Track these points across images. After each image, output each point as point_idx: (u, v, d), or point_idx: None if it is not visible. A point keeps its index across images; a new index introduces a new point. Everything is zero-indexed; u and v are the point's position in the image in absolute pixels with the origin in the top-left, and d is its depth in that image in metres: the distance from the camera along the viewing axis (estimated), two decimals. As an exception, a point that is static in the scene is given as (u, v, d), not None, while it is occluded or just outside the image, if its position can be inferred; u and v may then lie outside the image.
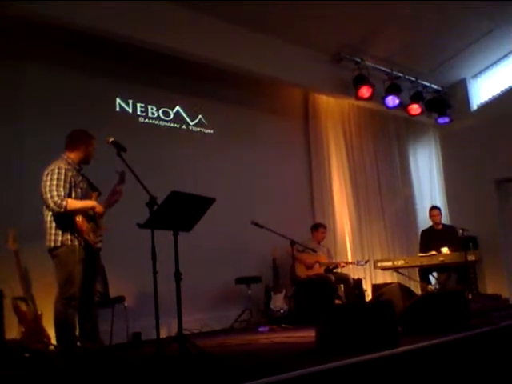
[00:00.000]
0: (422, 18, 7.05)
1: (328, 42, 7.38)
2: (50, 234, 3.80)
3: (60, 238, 3.78)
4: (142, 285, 5.34)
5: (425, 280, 6.98)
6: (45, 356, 4.51)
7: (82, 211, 3.84)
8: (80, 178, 3.98)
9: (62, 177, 3.79)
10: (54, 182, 3.75)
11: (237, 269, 6.67)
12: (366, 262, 7.24)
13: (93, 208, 3.92)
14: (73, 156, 4.00)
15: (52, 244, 3.79)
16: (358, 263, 7.18)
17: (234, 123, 7.54)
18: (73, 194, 3.85)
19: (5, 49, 5.53)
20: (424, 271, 6.95)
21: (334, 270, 7.11)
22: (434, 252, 6.57)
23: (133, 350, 5.11)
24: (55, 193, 3.71)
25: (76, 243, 3.81)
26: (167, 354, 3.68)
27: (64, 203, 3.70)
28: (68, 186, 3.81)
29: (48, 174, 3.80)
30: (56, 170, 3.80)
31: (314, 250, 6.87)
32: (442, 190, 9.53)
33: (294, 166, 8.21)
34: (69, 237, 3.79)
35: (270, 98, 7.99)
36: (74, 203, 3.78)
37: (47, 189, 3.74)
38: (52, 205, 3.70)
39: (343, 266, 7.16)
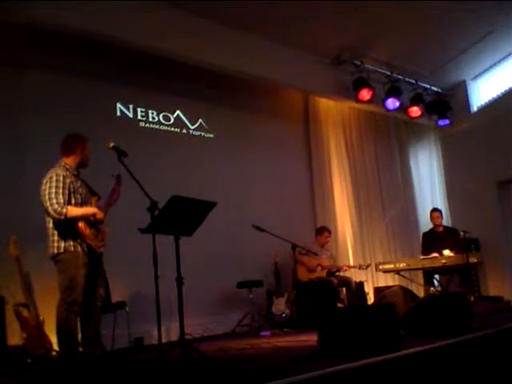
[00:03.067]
0: (421, 20, 7.06)
1: (328, 45, 7.39)
2: (53, 240, 3.81)
3: (63, 245, 3.79)
4: (144, 290, 5.36)
5: (429, 282, 6.97)
6: (47, 362, 4.51)
7: (83, 218, 3.84)
8: (79, 183, 3.98)
9: (61, 184, 3.80)
10: (53, 190, 3.76)
11: (238, 273, 6.66)
12: (368, 266, 7.23)
13: (94, 215, 3.92)
14: (69, 161, 4.00)
15: (55, 251, 3.80)
16: (359, 267, 7.18)
17: (234, 127, 7.54)
18: (72, 201, 3.86)
19: (6, 54, 5.54)
20: (428, 273, 6.94)
21: (336, 274, 7.10)
22: (435, 254, 6.56)
23: (135, 355, 5.10)
24: (55, 200, 3.72)
25: (79, 249, 3.82)
26: (169, 358, 3.67)
27: (64, 211, 3.71)
28: (67, 192, 3.82)
29: (47, 182, 3.81)
30: (54, 178, 3.81)
31: (316, 254, 6.87)
32: (443, 192, 9.53)
33: (294, 170, 8.21)
34: (71, 243, 3.81)
35: (270, 101, 8.00)
36: (74, 210, 3.79)
37: (47, 197, 3.75)
38: (52, 212, 3.71)
39: (345, 270, 7.15)
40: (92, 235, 3.88)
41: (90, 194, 4.08)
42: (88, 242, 3.84)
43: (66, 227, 3.79)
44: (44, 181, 3.83)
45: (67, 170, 3.94)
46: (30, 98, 5.74)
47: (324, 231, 7.29)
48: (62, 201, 3.75)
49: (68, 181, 3.86)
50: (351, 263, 7.90)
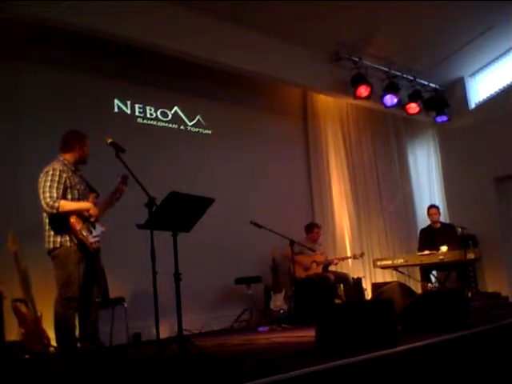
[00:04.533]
0: (419, 16, 7.05)
1: (326, 41, 7.38)
2: (49, 235, 3.82)
3: (59, 239, 3.80)
4: (142, 285, 5.32)
5: (426, 278, 6.98)
6: (45, 357, 4.51)
7: (76, 212, 3.84)
8: (77, 179, 3.99)
9: (57, 178, 3.81)
10: (48, 184, 3.78)
11: (236, 269, 6.67)
12: (362, 255, 7.25)
13: (87, 210, 3.92)
14: (68, 157, 4.02)
15: (51, 245, 3.80)
16: (354, 257, 7.20)
17: (232, 123, 7.54)
18: (69, 196, 3.86)
19: (4, 50, 5.53)
20: (425, 270, 6.95)
21: (334, 269, 7.12)
22: (427, 251, 6.56)
23: (133, 350, 5.11)
24: (48, 194, 3.75)
25: (73, 244, 3.82)
26: (167, 354, 3.68)
27: (56, 204, 3.72)
28: (62, 187, 3.83)
29: (43, 176, 3.84)
30: (51, 172, 3.83)
31: (312, 250, 6.87)
32: (440, 188, 9.54)
33: (292, 166, 8.21)
34: (67, 238, 3.81)
35: (268, 97, 7.99)
36: (66, 205, 3.79)
37: (41, 190, 3.79)
38: (45, 206, 3.75)
39: (336, 263, 7.16)
40: (84, 230, 3.87)
41: (89, 190, 4.08)
42: (79, 237, 3.83)
43: (59, 222, 3.80)
44: (41, 174, 3.86)
45: (65, 165, 3.95)
46: (27, 94, 5.73)
47: (314, 227, 7.28)
48: (55, 195, 3.76)
49: (64, 175, 3.87)
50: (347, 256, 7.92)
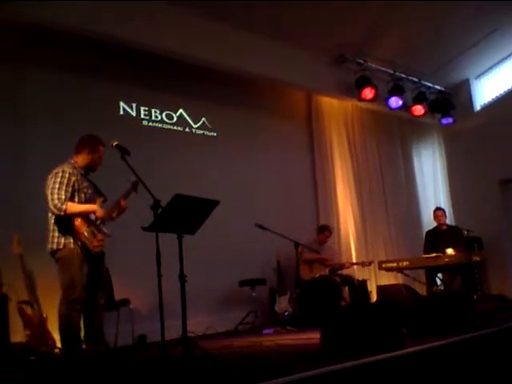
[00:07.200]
0: (424, 18, 7.05)
1: (331, 43, 7.38)
2: (53, 236, 3.82)
3: (63, 241, 3.80)
4: (147, 287, 5.31)
5: (432, 281, 6.95)
6: (50, 359, 4.52)
7: (83, 215, 3.85)
8: (86, 183, 3.99)
9: (65, 180, 3.82)
10: (56, 185, 3.78)
11: (241, 271, 6.66)
12: (371, 263, 7.24)
13: (93, 212, 3.93)
14: (79, 160, 4.02)
15: (55, 246, 3.80)
16: (362, 264, 7.18)
17: (237, 126, 7.54)
18: (76, 199, 3.86)
19: (7, 52, 5.53)
20: (431, 272, 6.93)
21: (339, 272, 7.10)
22: (434, 254, 6.54)
23: (138, 352, 5.12)
24: (56, 196, 3.75)
25: (76, 246, 3.82)
26: (172, 356, 3.68)
27: (64, 207, 3.73)
28: (70, 189, 3.83)
29: (52, 177, 3.84)
30: (60, 174, 3.83)
31: (316, 251, 6.85)
32: (446, 190, 9.52)
33: (297, 168, 8.20)
34: (71, 240, 3.81)
35: (273, 100, 7.99)
36: (74, 207, 3.79)
37: (49, 191, 3.79)
38: (52, 208, 3.74)
39: (347, 267, 7.15)
40: (89, 234, 3.87)
41: (97, 194, 4.08)
42: (82, 239, 3.83)
43: (65, 223, 3.80)
44: (49, 176, 3.86)
45: (75, 168, 3.95)
46: (31, 97, 5.74)
47: (325, 230, 7.26)
48: (63, 197, 3.76)
49: (73, 178, 3.87)
50: (354, 260, 7.90)
